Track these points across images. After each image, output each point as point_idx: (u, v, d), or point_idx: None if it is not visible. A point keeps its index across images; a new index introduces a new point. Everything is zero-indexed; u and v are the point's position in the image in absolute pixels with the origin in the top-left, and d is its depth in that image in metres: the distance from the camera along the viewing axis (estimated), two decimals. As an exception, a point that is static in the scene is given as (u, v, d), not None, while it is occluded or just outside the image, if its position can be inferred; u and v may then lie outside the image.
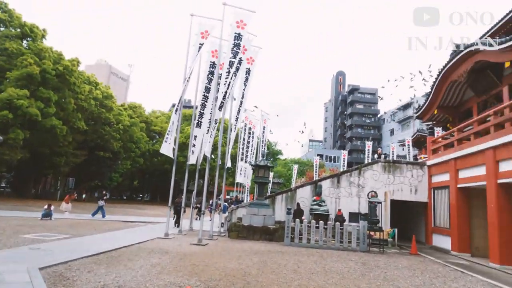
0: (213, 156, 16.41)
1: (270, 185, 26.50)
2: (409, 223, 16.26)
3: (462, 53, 14.36)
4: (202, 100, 12.92)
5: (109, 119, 35.60)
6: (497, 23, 19.19)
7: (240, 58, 13.52)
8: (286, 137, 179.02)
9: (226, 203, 18.12)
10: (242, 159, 21.20)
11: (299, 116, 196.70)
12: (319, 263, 8.46)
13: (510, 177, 8.86)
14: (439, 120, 20.24)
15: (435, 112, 18.65)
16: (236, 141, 26.79)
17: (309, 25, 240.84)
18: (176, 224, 15.23)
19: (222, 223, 16.16)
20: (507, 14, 18.40)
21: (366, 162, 20.81)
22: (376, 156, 18.08)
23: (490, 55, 12.62)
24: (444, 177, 12.78)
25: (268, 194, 18.65)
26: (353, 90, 73.05)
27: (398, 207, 14.91)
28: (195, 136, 13.15)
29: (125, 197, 56.91)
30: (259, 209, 13.44)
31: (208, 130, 12.53)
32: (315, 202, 14.51)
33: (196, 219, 18.17)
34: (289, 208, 12.74)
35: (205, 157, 13.36)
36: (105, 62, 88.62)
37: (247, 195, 26.98)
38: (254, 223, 13.03)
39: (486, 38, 19.25)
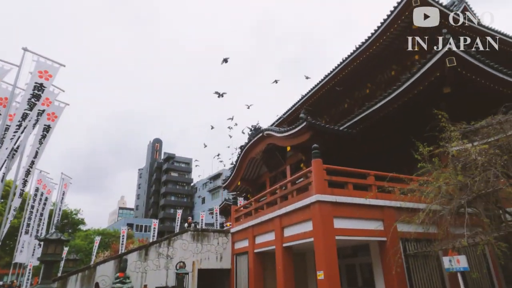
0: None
1: (62, 263, 22.02)
2: (215, 291, 16.61)
3: (257, 136, 17.35)
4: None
5: None
6: (284, 114, 24.64)
7: (40, 112, 11.72)
8: (95, 204, 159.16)
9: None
10: (27, 232, 17.13)
11: (109, 182, 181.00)
12: None
13: (292, 241, 10.66)
14: (242, 191, 22.90)
15: (239, 183, 21.11)
16: (21, 209, 21.64)
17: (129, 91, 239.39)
18: None
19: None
20: (290, 109, 24.02)
21: (176, 231, 20.66)
22: (186, 224, 18.29)
23: (276, 140, 15.72)
24: (244, 243, 14.09)
25: (60, 275, 15.36)
26: (169, 158, 74.47)
27: (205, 276, 15.10)
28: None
29: None
30: (42, 296, 10.71)
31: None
32: (118, 280, 12.86)
33: None
34: (85, 290, 10.80)
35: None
36: None
37: (29, 279, 21.36)
38: (33, 317, 10.20)
39: (276, 125, 24.31)
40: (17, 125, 9.99)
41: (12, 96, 10.49)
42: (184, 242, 14.59)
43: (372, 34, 16.07)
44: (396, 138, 13.19)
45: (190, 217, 21.26)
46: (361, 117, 13.58)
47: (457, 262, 7.61)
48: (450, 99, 11.44)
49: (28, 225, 16.72)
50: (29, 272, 20.71)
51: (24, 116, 10.16)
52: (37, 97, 10.47)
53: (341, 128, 14.18)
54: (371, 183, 10.28)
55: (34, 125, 11.86)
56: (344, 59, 18.33)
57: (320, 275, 8.64)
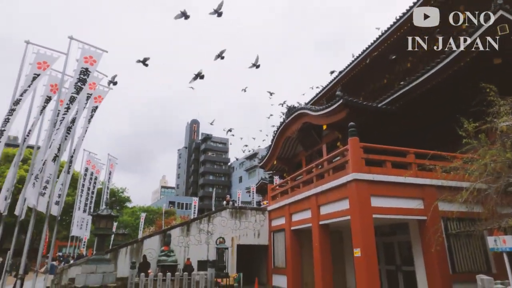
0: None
1: (113, 237, 23.87)
2: (254, 266, 17.26)
3: (293, 115, 17.26)
4: (26, 137, 11.13)
5: None
6: (321, 90, 24.16)
7: (88, 95, 12.52)
8: (138, 183, 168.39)
9: (54, 262, 15.13)
10: (80, 209, 18.63)
11: (151, 162, 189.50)
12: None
13: (328, 218, 10.74)
14: (278, 170, 23.08)
15: (275, 162, 21.26)
16: (74, 187, 23.48)
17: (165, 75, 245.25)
18: None
19: (47, 287, 13.34)
20: (327, 86, 23.46)
21: (213, 208, 21.53)
22: (224, 202, 18.93)
23: (312, 119, 15.53)
24: (281, 221, 14.39)
25: (111, 248, 16.69)
26: (206, 138, 76.34)
27: (244, 251, 15.72)
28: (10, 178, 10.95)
29: None
30: (97, 265, 11.75)
31: (38, 172, 10.58)
32: (163, 253, 13.80)
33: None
34: (134, 261, 11.71)
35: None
36: None
37: (84, 250, 23.43)
38: (91, 283, 11.24)
39: (311, 103, 23.94)
40: (65, 108, 10.74)
41: (61, 82, 11.25)
42: (223, 219, 15.18)
43: (414, 3, 15.09)
44: (439, 114, 12.55)
45: (228, 196, 21.97)
46: (402, 93, 13.00)
47: (503, 242, 7.29)
48: (500, 71, 10.61)
49: (80, 202, 18.17)
50: (84, 244, 22.68)
51: (72, 100, 10.88)
52: (83, 81, 11.13)
53: (379, 105, 13.71)
54: (411, 161, 9.97)
55: (84, 108, 12.71)
56: (383, 32, 17.44)
57: (357, 252, 8.69)
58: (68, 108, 10.64)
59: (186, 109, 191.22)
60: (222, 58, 18.21)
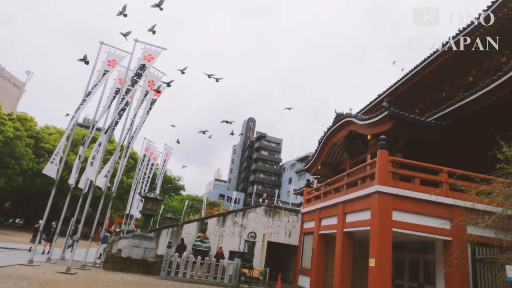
0: (109, 184, 15.41)
1: (159, 218, 26.09)
2: (283, 264, 17.78)
3: (339, 122, 17.34)
4: (95, 122, 13.03)
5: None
6: (376, 99, 23.64)
7: (146, 92, 14.10)
8: (195, 174, 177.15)
9: (107, 233, 17.30)
10: (136, 190, 20.79)
11: (209, 155, 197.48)
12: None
13: (351, 227, 10.93)
14: (322, 175, 23.18)
15: (319, 167, 21.41)
16: (132, 170, 26.08)
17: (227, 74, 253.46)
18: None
19: (100, 253, 15.36)
20: (384, 92, 22.87)
21: (252, 205, 22.48)
22: (261, 200, 19.70)
23: (358, 127, 15.53)
24: (311, 224, 14.74)
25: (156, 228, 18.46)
26: (261, 137, 77.73)
27: (275, 249, 16.34)
28: (80, 156, 12.91)
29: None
30: (141, 241, 13.35)
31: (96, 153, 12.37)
32: (199, 239, 15.03)
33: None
34: (170, 241, 13.02)
35: (92, 184, 13.01)
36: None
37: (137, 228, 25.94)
38: (134, 255, 12.85)
39: (365, 111, 23.49)
40: (121, 98, 12.38)
41: (125, 78, 12.95)
42: (257, 215, 15.97)
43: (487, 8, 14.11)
44: (484, 135, 11.86)
45: (265, 194, 22.73)
46: (451, 110, 12.47)
47: (521, 273, 7.00)
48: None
49: (136, 184, 20.28)
50: (133, 222, 25.06)
51: (127, 91, 12.50)
52: (138, 75, 12.67)
53: (429, 119, 13.27)
54: (443, 180, 9.75)
55: (143, 100, 14.37)
56: (444, 43, 16.63)
57: (372, 262, 8.85)
58: (123, 99, 12.25)
59: (250, 107, 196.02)
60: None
